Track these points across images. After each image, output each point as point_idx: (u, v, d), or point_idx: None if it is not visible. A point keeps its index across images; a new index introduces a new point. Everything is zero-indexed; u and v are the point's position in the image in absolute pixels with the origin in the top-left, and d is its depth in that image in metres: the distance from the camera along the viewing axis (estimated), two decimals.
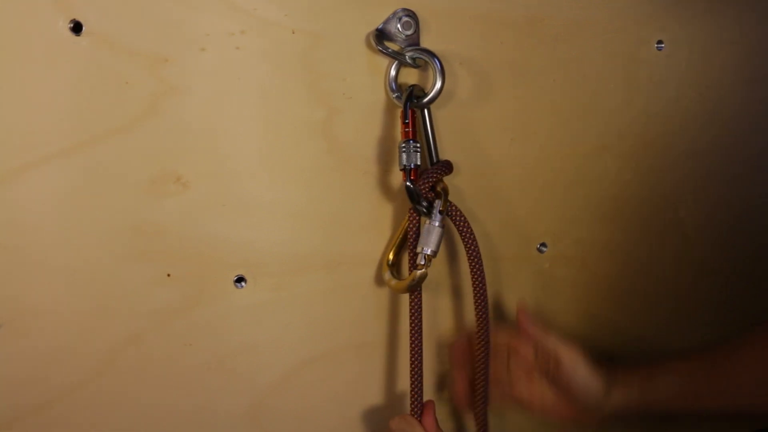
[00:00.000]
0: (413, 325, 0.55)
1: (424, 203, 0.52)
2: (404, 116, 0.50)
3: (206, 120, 0.48)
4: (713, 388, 0.55)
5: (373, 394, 0.59)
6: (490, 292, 0.61)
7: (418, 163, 0.51)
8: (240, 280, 0.52)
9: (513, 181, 0.59)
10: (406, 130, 0.51)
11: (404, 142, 0.51)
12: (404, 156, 0.51)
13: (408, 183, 0.51)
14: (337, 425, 0.58)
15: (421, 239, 0.52)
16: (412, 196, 0.51)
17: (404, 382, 0.59)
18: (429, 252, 0.52)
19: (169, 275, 0.50)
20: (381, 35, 0.50)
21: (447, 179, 0.55)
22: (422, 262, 0.52)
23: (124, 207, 0.48)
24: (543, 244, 0.62)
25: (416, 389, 0.55)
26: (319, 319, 0.55)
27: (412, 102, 0.51)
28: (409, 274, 0.53)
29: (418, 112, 0.53)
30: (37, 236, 0.46)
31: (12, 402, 0.48)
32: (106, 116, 0.46)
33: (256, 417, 0.55)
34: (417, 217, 0.54)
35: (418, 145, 0.51)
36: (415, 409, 0.55)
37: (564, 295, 0.64)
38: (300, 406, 0.56)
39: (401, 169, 0.51)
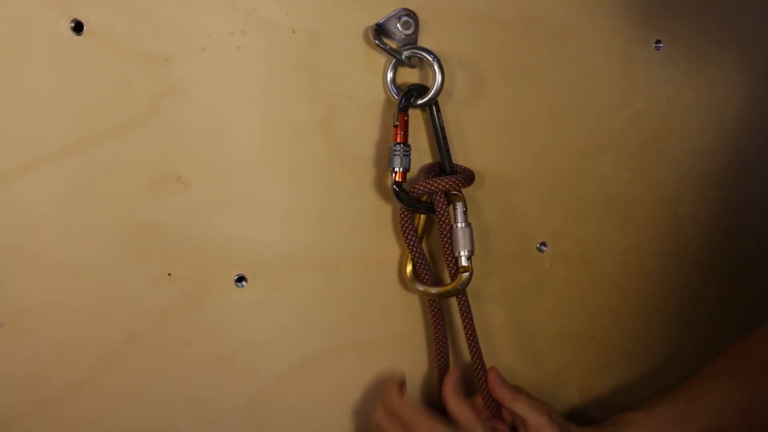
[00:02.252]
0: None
1: (423, 206, 0.53)
2: (394, 118, 0.51)
3: (207, 120, 0.49)
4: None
5: (372, 394, 0.59)
6: (490, 291, 0.61)
7: (408, 167, 0.51)
8: (240, 279, 0.52)
9: (512, 180, 0.59)
10: (397, 133, 0.51)
11: (394, 145, 0.51)
12: (393, 159, 0.51)
13: (394, 186, 0.52)
14: (335, 424, 0.58)
15: (456, 243, 0.53)
16: (401, 200, 0.52)
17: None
18: (467, 253, 0.53)
19: (169, 274, 0.50)
20: (380, 31, 0.51)
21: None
22: (466, 264, 0.53)
23: (124, 206, 0.48)
24: (543, 244, 0.62)
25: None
26: (319, 319, 0.55)
27: (411, 103, 0.51)
28: (453, 279, 0.54)
29: (419, 114, 0.54)
30: (37, 235, 0.46)
31: (12, 400, 0.48)
32: (106, 116, 0.46)
33: (254, 415, 0.55)
34: (410, 215, 0.54)
35: (408, 149, 0.51)
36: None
37: (564, 294, 0.64)
38: (299, 404, 0.56)
39: (390, 171, 0.52)
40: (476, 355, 0.57)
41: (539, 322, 0.64)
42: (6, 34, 0.43)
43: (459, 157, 0.57)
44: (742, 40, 0.65)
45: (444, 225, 0.54)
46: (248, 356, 0.54)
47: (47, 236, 0.46)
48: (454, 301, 0.58)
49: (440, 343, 0.58)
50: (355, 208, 0.54)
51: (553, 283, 0.63)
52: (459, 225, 0.53)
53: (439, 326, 0.57)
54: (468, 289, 0.59)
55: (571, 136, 0.61)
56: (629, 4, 0.60)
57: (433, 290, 0.55)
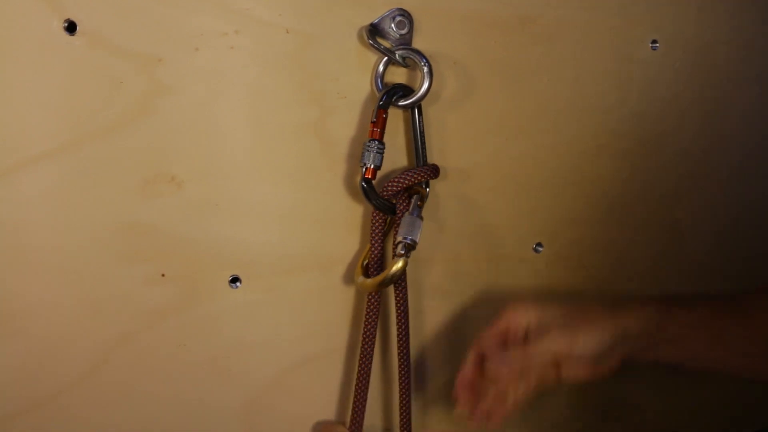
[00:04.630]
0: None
1: (388, 203, 0.52)
2: (372, 115, 0.51)
3: (200, 120, 0.48)
4: (732, 332, 0.51)
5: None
6: (486, 292, 0.61)
7: (379, 164, 0.51)
8: (234, 280, 0.52)
9: (508, 181, 0.59)
10: (373, 129, 0.50)
11: (368, 141, 0.51)
12: (365, 154, 0.51)
13: (362, 182, 0.51)
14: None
15: (401, 229, 0.51)
16: (367, 195, 0.51)
17: (396, 384, 0.58)
18: (409, 240, 0.50)
19: (163, 275, 0.50)
20: (374, 31, 0.50)
21: (444, 178, 0.55)
22: (402, 252, 0.50)
23: (117, 207, 0.48)
24: (539, 245, 0.62)
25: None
26: (313, 320, 0.55)
27: (393, 102, 0.51)
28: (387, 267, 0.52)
29: (400, 113, 0.53)
30: (30, 236, 0.46)
31: (4, 400, 0.48)
32: (100, 116, 0.46)
33: (248, 416, 0.55)
34: (383, 218, 0.53)
35: (383, 146, 0.51)
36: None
37: (560, 296, 0.64)
38: (293, 405, 0.56)
39: (360, 166, 0.51)
40: (404, 356, 0.56)
41: None
42: None
43: (453, 157, 0.56)
44: (737, 40, 0.65)
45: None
46: (242, 357, 0.54)
47: (39, 236, 0.46)
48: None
49: (367, 342, 0.54)
50: (348, 209, 0.54)
51: (549, 284, 0.63)
52: (410, 214, 0.51)
53: (370, 325, 0.54)
54: (462, 288, 0.59)
55: (567, 137, 0.60)
56: (625, 3, 0.60)
57: (366, 281, 0.52)
